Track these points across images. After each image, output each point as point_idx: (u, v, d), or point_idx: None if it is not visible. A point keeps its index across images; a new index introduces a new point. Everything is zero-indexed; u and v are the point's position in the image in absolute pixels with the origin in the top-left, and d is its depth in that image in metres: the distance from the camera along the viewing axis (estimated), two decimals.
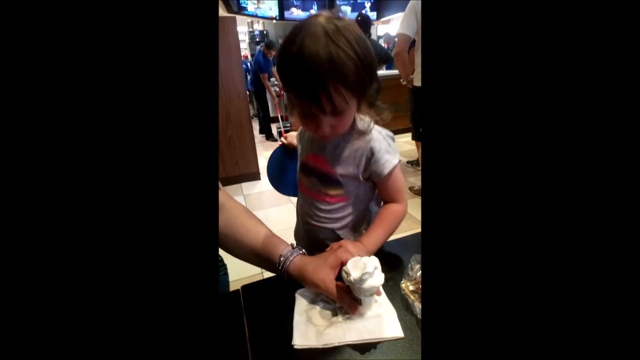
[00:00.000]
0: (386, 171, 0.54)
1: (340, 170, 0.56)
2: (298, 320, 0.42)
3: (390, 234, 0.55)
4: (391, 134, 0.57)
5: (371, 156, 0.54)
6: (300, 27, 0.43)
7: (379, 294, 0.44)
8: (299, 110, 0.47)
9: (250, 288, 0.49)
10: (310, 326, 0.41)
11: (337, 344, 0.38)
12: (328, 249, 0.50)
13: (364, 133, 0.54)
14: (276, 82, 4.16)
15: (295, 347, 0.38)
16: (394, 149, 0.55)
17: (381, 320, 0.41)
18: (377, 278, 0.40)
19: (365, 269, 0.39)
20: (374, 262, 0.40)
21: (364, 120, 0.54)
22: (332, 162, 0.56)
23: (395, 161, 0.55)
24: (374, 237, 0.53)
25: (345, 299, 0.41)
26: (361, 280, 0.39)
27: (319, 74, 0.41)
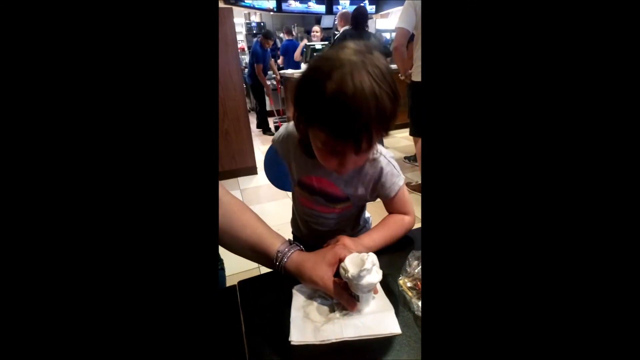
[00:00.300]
0: (393, 193, 0.57)
1: (349, 191, 0.58)
2: (295, 316, 0.41)
3: (391, 238, 0.55)
4: (392, 154, 0.59)
5: (378, 180, 0.57)
6: (335, 61, 0.40)
7: (376, 291, 0.44)
8: (325, 147, 0.44)
9: (247, 283, 0.49)
10: (307, 322, 0.41)
11: (334, 340, 0.38)
12: (325, 245, 0.50)
13: (373, 160, 0.55)
14: (273, 76, 4.11)
15: (292, 343, 0.38)
16: (398, 171, 0.58)
17: (379, 317, 0.41)
18: (374, 275, 0.39)
19: (363, 265, 0.39)
20: (372, 259, 0.40)
21: (376, 152, 0.55)
22: (341, 186, 0.58)
23: (401, 183, 0.57)
24: (374, 236, 0.54)
25: (344, 296, 0.41)
26: (359, 276, 0.39)
27: (365, 115, 0.39)
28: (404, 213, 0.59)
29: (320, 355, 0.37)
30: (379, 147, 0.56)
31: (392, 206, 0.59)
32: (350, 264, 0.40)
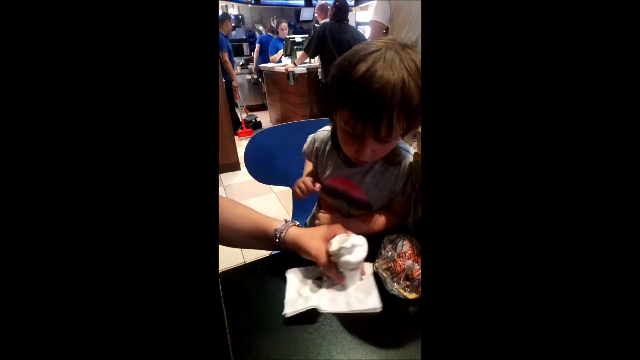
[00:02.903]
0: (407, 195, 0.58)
1: (373, 197, 0.58)
2: (290, 296, 0.44)
3: (377, 227, 0.58)
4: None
5: (405, 178, 0.57)
6: (373, 47, 0.42)
7: (363, 273, 0.46)
8: (347, 128, 0.46)
9: (228, 274, 0.50)
10: (299, 298, 0.43)
11: (318, 308, 0.41)
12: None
13: (399, 162, 0.56)
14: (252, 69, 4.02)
15: (286, 316, 0.40)
16: None
17: (360, 295, 0.43)
18: (354, 255, 0.42)
19: (343, 243, 0.42)
20: (354, 240, 0.42)
21: (400, 150, 0.55)
22: (364, 189, 0.58)
23: None
24: (370, 224, 0.57)
25: (332, 269, 0.44)
26: (338, 254, 0.41)
27: (388, 98, 0.40)
28: (408, 208, 0.60)
29: (303, 343, 0.39)
30: (405, 145, 0.57)
31: (399, 202, 0.59)
32: (335, 240, 0.43)
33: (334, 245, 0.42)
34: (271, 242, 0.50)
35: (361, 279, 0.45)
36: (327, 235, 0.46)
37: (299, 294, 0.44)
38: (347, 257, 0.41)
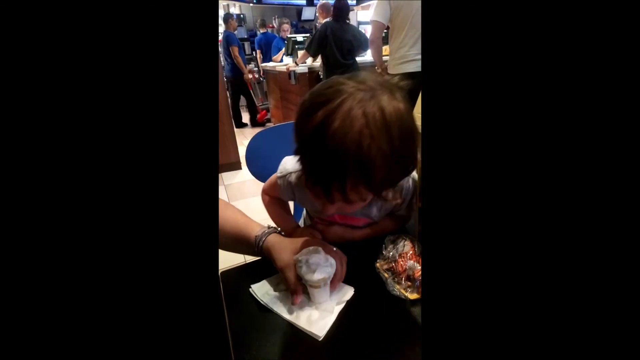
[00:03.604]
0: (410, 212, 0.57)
1: (378, 217, 0.57)
2: (268, 280, 0.46)
3: (381, 232, 0.57)
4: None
5: (408, 203, 0.55)
6: (336, 91, 0.33)
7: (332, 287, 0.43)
8: (307, 183, 0.39)
9: (228, 274, 0.50)
10: (272, 287, 0.45)
11: (270, 308, 0.42)
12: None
13: (398, 198, 0.52)
14: (255, 69, 4.05)
15: (250, 289, 0.44)
16: None
17: (314, 315, 0.41)
18: (310, 273, 0.39)
19: (303, 255, 0.41)
20: (314, 258, 0.41)
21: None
22: (368, 216, 0.56)
23: None
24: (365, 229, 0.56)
25: (291, 285, 0.42)
26: (297, 266, 0.41)
27: (338, 163, 0.32)
28: (410, 213, 0.57)
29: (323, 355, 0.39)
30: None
31: (402, 212, 0.57)
32: (302, 252, 0.42)
33: (297, 255, 0.42)
34: (252, 249, 0.49)
35: (327, 302, 0.42)
36: (299, 248, 0.44)
37: (275, 285, 0.45)
38: (301, 271, 0.41)
